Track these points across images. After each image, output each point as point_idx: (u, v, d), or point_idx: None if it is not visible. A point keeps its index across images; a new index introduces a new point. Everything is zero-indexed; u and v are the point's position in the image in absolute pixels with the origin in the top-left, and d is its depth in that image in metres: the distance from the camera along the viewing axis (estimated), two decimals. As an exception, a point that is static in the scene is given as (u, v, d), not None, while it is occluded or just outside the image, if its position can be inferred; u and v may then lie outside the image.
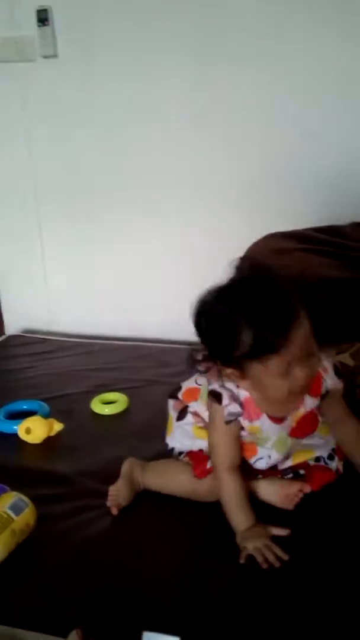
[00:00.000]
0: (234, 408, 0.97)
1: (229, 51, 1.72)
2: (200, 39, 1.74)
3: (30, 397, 1.56)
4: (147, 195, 1.93)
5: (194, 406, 1.12)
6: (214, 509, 1.03)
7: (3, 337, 2.12)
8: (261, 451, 1.05)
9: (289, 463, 1.09)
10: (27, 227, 2.12)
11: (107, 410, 1.49)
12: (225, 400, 0.97)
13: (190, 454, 1.12)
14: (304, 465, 1.10)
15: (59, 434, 1.39)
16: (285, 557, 0.92)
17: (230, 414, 0.97)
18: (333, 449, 1.11)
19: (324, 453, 1.09)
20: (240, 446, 1.03)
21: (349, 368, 1.36)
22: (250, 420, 1.00)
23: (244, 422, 1.00)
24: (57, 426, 1.39)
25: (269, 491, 1.08)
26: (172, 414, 1.16)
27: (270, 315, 0.88)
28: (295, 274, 1.46)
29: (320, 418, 1.07)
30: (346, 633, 0.81)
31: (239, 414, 0.98)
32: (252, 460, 1.06)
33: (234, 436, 1.00)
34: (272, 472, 1.09)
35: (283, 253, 1.56)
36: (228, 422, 0.98)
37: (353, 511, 1.03)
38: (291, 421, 1.03)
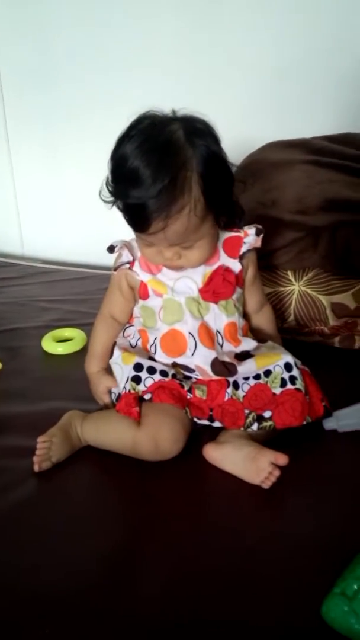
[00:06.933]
0: (127, 256, 0.95)
1: None
2: None
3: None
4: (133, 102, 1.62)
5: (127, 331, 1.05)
6: (161, 477, 0.85)
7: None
8: (180, 327, 0.94)
9: (251, 367, 0.93)
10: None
11: (59, 349, 1.25)
12: (118, 247, 0.96)
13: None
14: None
15: (-4, 375, 1.16)
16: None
17: (122, 261, 0.96)
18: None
19: (290, 359, 0.93)
20: (170, 341, 0.94)
21: (349, 310, 1.09)
22: (151, 272, 0.95)
23: (145, 276, 0.95)
24: (-6, 366, 1.16)
25: (235, 461, 0.86)
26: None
27: (150, 193, 0.78)
28: (296, 192, 1.18)
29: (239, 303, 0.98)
30: None
31: (129, 261, 0.95)
32: (186, 354, 0.93)
33: (121, 290, 0.98)
34: (221, 376, 0.93)
35: (283, 166, 1.26)
36: (116, 268, 0.96)
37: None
38: (199, 277, 0.93)
